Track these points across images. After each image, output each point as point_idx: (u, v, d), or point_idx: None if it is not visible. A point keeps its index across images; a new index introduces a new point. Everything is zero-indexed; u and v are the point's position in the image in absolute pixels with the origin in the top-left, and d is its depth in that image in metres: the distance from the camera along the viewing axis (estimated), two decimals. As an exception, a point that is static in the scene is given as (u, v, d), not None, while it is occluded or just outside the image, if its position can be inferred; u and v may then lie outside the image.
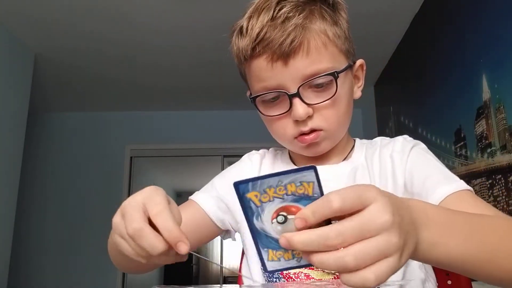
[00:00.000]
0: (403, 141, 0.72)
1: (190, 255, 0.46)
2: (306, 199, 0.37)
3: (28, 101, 3.13)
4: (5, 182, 2.81)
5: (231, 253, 5.31)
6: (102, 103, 4.32)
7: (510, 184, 1.70)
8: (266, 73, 0.64)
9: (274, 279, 0.65)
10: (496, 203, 1.79)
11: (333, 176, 0.69)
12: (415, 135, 2.76)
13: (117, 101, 4.27)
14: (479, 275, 0.46)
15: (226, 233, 0.77)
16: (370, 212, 0.35)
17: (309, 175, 0.36)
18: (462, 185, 0.61)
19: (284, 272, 0.64)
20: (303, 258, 0.38)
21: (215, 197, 0.75)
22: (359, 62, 0.72)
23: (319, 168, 0.71)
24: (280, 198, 0.36)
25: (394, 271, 0.35)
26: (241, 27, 0.66)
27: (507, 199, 1.72)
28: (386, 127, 3.58)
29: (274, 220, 0.37)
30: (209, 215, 0.73)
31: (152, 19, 2.78)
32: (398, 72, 3.26)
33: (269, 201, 0.36)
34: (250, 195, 0.36)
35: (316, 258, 0.35)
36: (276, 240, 0.38)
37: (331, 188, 0.69)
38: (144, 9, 2.66)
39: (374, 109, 3.90)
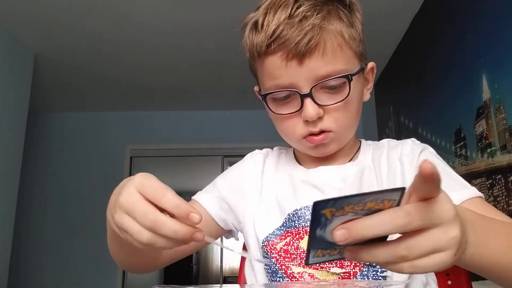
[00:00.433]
0: (412, 144, 0.71)
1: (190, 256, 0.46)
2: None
3: (28, 101, 3.13)
4: (5, 182, 2.81)
5: (231, 252, 5.30)
6: (102, 103, 4.31)
7: (510, 184, 1.71)
8: (279, 71, 0.63)
9: (278, 279, 0.65)
10: (496, 203, 1.79)
11: (340, 177, 0.69)
12: (415, 135, 2.77)
13: (117, 101, 4.27)
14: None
15: (229, 233, 0.77)
16: (439, 200, 0.35)
17: (394, 195, 0.35)
18: (473, 191, 0.61)
19: (288, 271, 0.65)
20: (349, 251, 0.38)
21: (217, 198, 0.75)
22: (371, 65, 0.72)
23: (326, 168, 0.72)
24: (354, 213, 0.35)
25: (447, 265, 0.35)
26: (256, 22, 0.65)
27: (507, 199, 1.72)
28: (386, 127, 3.58)
29: None
30: (211, 215, 0.73)
31: (152, 19, 2.78)
32: (398, 72, 3.26)
33: (342, 215, 0.35)
34: (326, 211, 0.35)
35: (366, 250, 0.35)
36: (330, 243, 0.37)
37: (337, 189, 0.69)
38: (144, 9, 2.66)
39: (374, 109, 3.90)
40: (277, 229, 0.68)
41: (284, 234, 0.66)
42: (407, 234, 0.35)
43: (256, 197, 0.73)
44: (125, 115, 4.51)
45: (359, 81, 0.67)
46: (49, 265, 4.13)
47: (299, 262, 0.64)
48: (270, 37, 0.62)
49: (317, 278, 0.63)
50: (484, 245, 0.41)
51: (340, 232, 0.34)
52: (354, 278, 0.61)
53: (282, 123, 0.68)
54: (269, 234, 0.68)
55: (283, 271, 0.65)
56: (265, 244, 0.67)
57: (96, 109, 4.47)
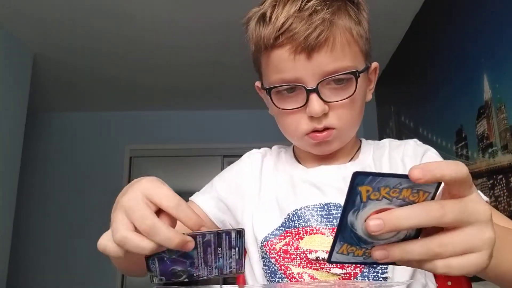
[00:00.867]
0: (415, 145, 0.71)
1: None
2: None
3: (27, 101, 3.12)
4: (4, 182, 2.81)
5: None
6: (102, 103, 4.31)
7: (511, 184, 1.70)
8: (286, 65, 0.62)
9: (277, 279, 0.65)
10: (497, 203, 1.78)
11: (341, 177, 0.69)
12: (416, 135, 2.77)
13: (117, 101, 4.26)
14: None
15: None
16: (472, 197, 0.34)
17: (430, 187, 0.34)
18: None
19: (287, 272, 0.64)
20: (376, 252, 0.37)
21: (215, 198, 0.74)
22: (374, 65, 0.71)
23: (326, 168, 0.71)
24: (389, 199, 0.34)
25: (483, 267, 0.34)
26: (264, 15, 0.64)
27: (508, 199, 1.72)
28: (387, 126, 3.57)
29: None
30: (209, 216, 0.73)
31: (152, 19, 2.77)
32: (399, 72, 3.26)
33: (377, 199, 0.34)
34: (362, 188, 0.34)
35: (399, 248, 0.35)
36: (358, 238, 0.36)
37: (338, 189, 0.68)
38: (144, 9, 2.65)
39: (375, 109, 3.90)
40: (276, 229, 0.67)
41: (283, 234, 0.66)
42: (441, 232, 0.35)
43: (254, 196, 0.73)
44: (125, 115, 4.51)
45: (364, 79, 0.66)
46: (48, 265, 4.12)
47: (299, 262, 0.63)
48: (279, 30, 0.61)
49: (317, 278, 0.62)
50: (500, 253, 0.40)
51: (375, 222, 0.33)
52: (355, 279, 0.60)
53: (285, 118, 0.67)
54: (268, 234, 0.67)
55: (282, 272, 0.64)
56: (264, 244, 0.66)
57: (96, 109, 4.47)
